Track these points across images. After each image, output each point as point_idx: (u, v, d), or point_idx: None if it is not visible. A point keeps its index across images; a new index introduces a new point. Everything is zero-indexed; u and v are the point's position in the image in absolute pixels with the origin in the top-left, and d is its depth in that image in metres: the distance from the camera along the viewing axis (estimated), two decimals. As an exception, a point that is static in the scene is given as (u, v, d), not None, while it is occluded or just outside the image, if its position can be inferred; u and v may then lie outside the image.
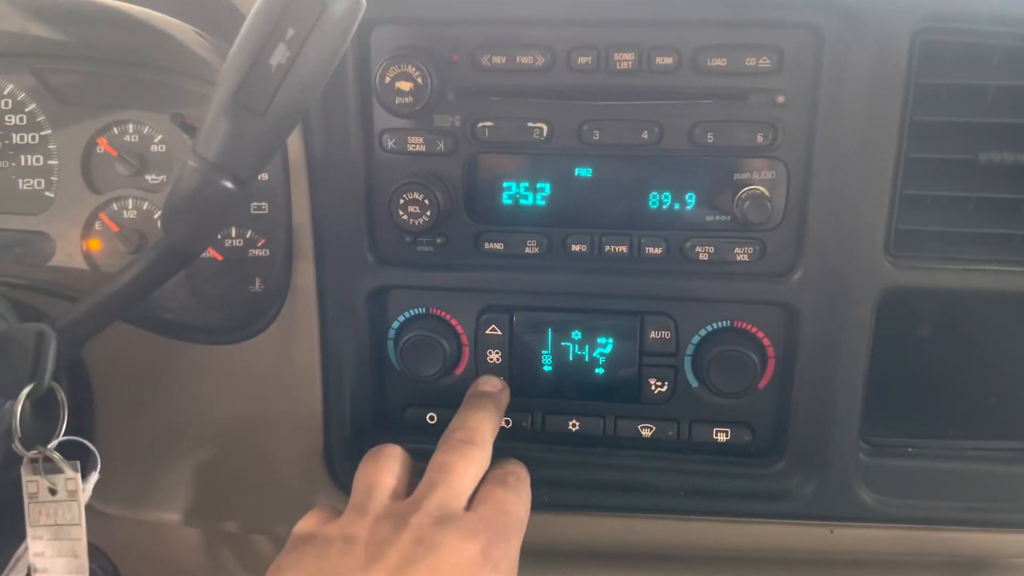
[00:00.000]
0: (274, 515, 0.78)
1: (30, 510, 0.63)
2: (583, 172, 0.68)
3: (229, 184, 0.53)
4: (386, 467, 0.64)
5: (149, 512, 0.79)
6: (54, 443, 0.62)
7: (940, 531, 0.72)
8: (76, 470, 0.63)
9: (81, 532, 0.63)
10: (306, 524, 0.61)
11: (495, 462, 0.66)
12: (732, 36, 0.64)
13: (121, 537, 0.77)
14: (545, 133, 0.67)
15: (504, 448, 0.75)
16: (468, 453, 0.63)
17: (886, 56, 0.63)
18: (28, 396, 0.59)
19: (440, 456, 0.63)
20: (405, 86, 0.65)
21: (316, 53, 0.51)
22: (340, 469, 0.75)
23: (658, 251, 0.69)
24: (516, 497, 0.63)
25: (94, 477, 0.65)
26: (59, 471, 0.62)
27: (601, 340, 0.72)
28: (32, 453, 0.61)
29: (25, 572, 0.63)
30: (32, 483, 0.62)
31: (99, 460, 0.66)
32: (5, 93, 0.79)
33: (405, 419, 0.76)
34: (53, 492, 0.63)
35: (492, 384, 0.72)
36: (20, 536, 0.63)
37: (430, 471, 0.62)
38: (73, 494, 0.62)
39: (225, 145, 0.52)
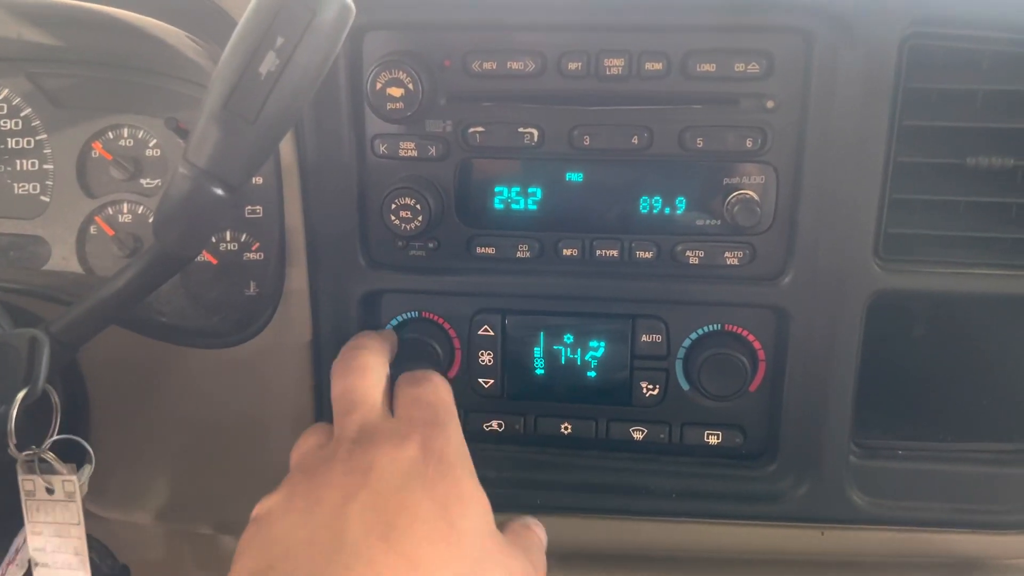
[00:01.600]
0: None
1: (28, 507, 0.63)
2: (574, 177, 0.69)
3: (220, 191, 0.53)
4: (306, 438, 0.62)
5: (144, 516, 0.79)
6: (48, 443, 0.63)
7: (931, 533, 0.72)
8: (72, 471, 0.63)
9: (81, 532, 0.63)
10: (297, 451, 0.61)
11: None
12: (722, 41, 0.64)
13: (116, 540, 0.77)
14: (536, 138, 0.67)
15: (496, 450, 0.76)
16: (354, 361, 0.61)
17: (875, 61, 0.63)
18: (22, 401, 0.60)
19: (334, 386, 0.61)
20: (396, 92, 0.65)
21: (306, 60, 0.51)
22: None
23: (649, 255, 0.69)
24: (431, 386, 0.60)
25: (88, 469, 0.65)
26: (55, 472, 0.62)
27: (593, 343, 0.73)
28: (26, 454, 0.62)
29: (26, 565, 0.64)
30: (28, 481, 0.63)
31: (93, 455, 0.66)
32: (0, 98, 0.79)
33: (398, 422, 0.76)
34: (50, 491, 0.63)
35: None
36: (15, 530, 0.64)
37: (334, 405, 0.60)
38: (71, 495, 0.63)
39: (215, 152, 0.52)
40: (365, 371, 0.61)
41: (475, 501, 0.54)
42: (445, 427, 0.57)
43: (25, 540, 0.63)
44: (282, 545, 0.51)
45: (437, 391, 0.60)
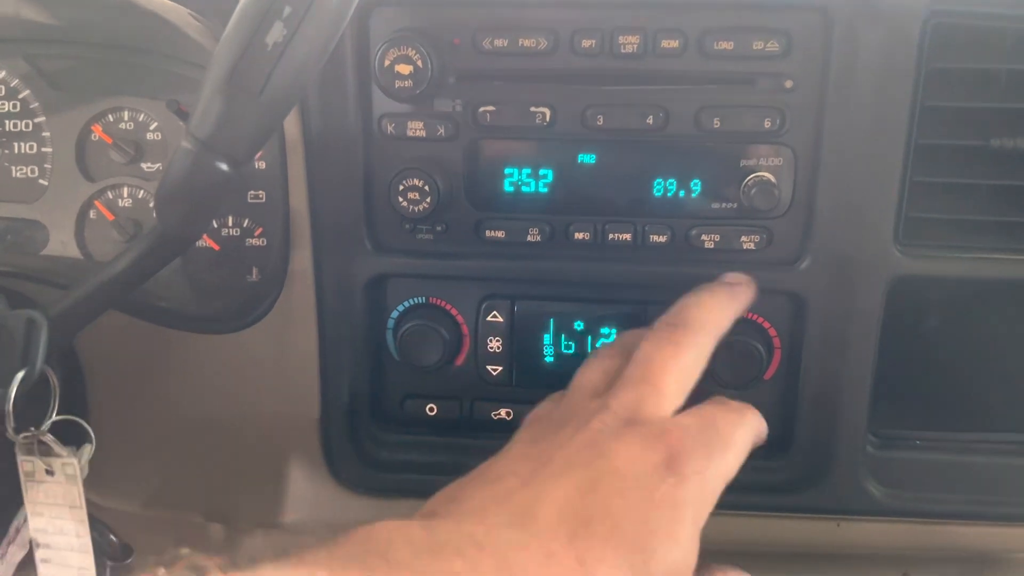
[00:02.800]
0: (270, 506, 0.77)
1: (28, 488, 0.62)
2: (586, 158, 0.67)
3: (224, 166, 0.52)
4: (595, 365, 0.57)
5: (143, 504, 0.78)
6: (46, 424, 0.62)
7: (948, 525, 0.71)
8: (72, 454, 0.62)
9: (82, 515, 0.62)
10: (531, 414, 0.58)
11: None
12: (739, 19, 0.63)
13: (116, 529, 0.76)
14: (548, 118, 0.66)
15: (505, 439, 0.74)
16: (674, 339, 0.54)
17: (897, 40, 0.61)
18: (20, 383, 0.58)
19: (642, 347, 0.55)
20: (405, 69, 0.63)
21: (314, 32, 0.50)
22: (338, 460, 0.74)
23: (663, 239, 0.67)
24: (736, 418, 0.53)
25: (88, 450, 0.64)
26: (54, 454, 0.61)
27: (604, 330, 0.71)
28: (25, 435, 0.60)
29: (27, 545, 0.63)
30: (28, 462, 0.62)
31: (93, 436, 0.65)
32: (-3, 79, 0.78)
33: (404, 410, 0.75)
34: (50, 473, 0.62)
35: (734, 276, 0.63)
36: (14, 511, 0.63)
37: (630, 365, 0.54)
38: (72, 478, 0.62)
39: (219, 126, 0.51)
40: (676, 343, 0.54)
41: (684, 551, 0.47)
42: (711, 458, 0.50)
43: (26, 520, 0.62)
44: (478, 496, 0.49)
45: (735, 427, 0.52)
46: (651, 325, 0.58)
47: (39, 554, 0.62)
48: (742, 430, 0.53)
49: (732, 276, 0.64)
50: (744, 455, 0.53)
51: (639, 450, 0.49)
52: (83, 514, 0.62)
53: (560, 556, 0.45)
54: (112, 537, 0.69)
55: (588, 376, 0.58)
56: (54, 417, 0.62)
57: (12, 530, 0.64)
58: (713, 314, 0.58)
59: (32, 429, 0.61)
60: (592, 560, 0.45)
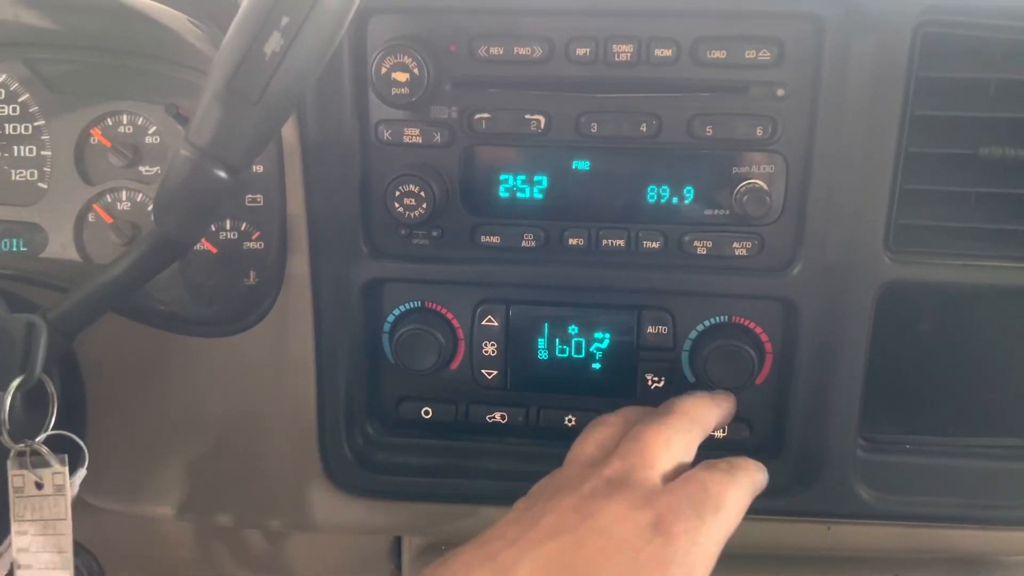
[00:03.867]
0: (267, 509, 0.77)
1: (15, 504, 0.62)
2: (581, 165, 0.68)
3: (221, 173, 0.52)
4: (591, 438, 0.59)
5: (141, 506, 0.78)
6: (42, 436, 0.61)
7: (938, 528, 0.72)
8: (64, 464, 0.62)
9: (67, 527, 0.62)
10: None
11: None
12: (732, 27, 0.64)
13: (112, 531, 0.76)
14: (543, 125, 0.66)
15: (498, 443, 0.75)
16: (664, 421, 0.57)
17: (888, 49, 0.62)
18: (18, 388, 0.59)
19: (635, 427, 0.57)
20: (401, 77, 0.64)
21: (311, 41, 0.50)
22: (334, 462, 0.74)
23: (656, 245, 0.68)
24: (727, 479, 0.53)
25: (81, 473, 0.64)
26: (46, 465, 0.61)
27: (598, 335, 0.72)
28: (19, 446, 0.60)
29: (8, 568, 0.62)
30: (18, 477, 0.61)
31: (87, 456, 0.65)
32: (-3, 83, 0.78)
33: (400, 413, 0.75)
34: (39, 487, 0.62)
35: (715, 392, 0.67)
36: (4, 532, 0.62)
37: (625, 440, 0.56)
38: (60, 488, 0.61)
39: (218, 133, 0.51)
40: (670, 426, 0.57)
41: None
42: (702, 519, 0.50)
43: (9, 544, 0.62)
44: (466, 558, 0.50)
45: (725, 487, 0.53)
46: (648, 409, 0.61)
47: (19, 575, 0.62)
48: (734, 490, 0.54)
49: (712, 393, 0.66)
50: (740, 514, 0.53)
51: (626, 510, 0.49)
52: (68, 526, 0.62)
53: None
54: (95, 566, 0.68)
55: (584, 448, 0.59)
56: (50, 430, 0.62)
57: None
58: (700, 409, 0.61)
59: (27, 440, 0.61)
60: None
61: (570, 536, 0.48)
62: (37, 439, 0.61)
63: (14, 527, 0.61)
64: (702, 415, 0.61)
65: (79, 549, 0.65)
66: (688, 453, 0.57)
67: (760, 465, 0.59)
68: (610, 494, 0.50)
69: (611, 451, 0.57)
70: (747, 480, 0.56)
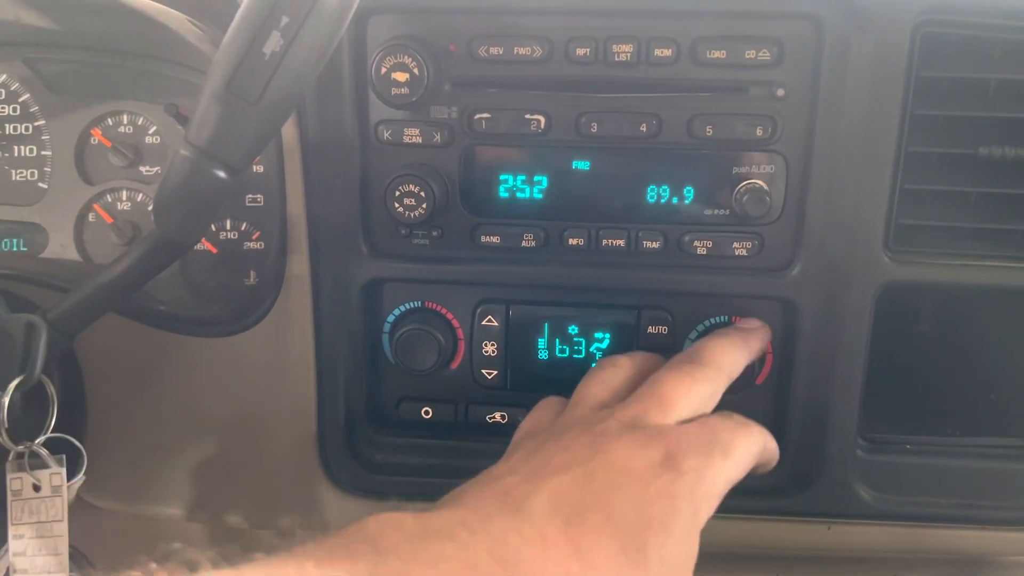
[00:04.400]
0: (266, 508, 0.77)
1: (12, 508, 0.61)
2: (581, 165, 0.68)
3: (221, 173, 0.53)
4: (600, 378, 0.59)
5: (141, 506, 0.78)
6: (42, 439, 0.61)
7: (938, 528, 0.72)
8: (62, 464, 0.62)
9: (63, 528, 0.62)
10: (527, 420, 0.59)
11: None
12: (732, 27, 0.64)
13: (113, 532, 0.76)
14: (542, 125, 0.66)
15: (499, 443, 0.74)
16: (687, 371, 0.57)
17: (887, 49, 0.62)
18: (17, 388, 0.59)
19: (659, 374, 0.57)
20: (401, 77, 0.64)
21: (311, 41, 0.50)
22: (334, 462, 0.75)
23: (656, 245, 0.68)
24: (740, 429, 0.54)
25: (80, 479, 0.64)
26: (45, 466, 0.61)
27: (598, 335, 0.72)
28: (19, 448, 0.60)
29: (3, 573, 0.62)
30: (16, 480, 0.61)
31: (86, 460, 0.65)
32: (-3, 83, 0.78)
33: (400, 413, 0.75)
34: (37, 489, 0.62)
35: (749, 323, 0.66)
36: (2, 538, 0.62)
37: (644, 385, 0.56)
38: (57, 489, 0.61)
39: (217, 133, 0.51)
40: (689, 375, 0.56)
41: (679, 544, 0.48)
42: (711, 458, 0.51)
43: (6, 549, 0.61)
44: (475, 493, 0.50)
45: (736, 432, 0.54)
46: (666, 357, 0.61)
47: None
48: (745, 439, 0.54)
49: (746, 321, 0.66)
50: (747, 464, 0.54)
51: (637, 448, 0.50)
52: (65, 527, 0.62)
53: (554, 540, 0.45)
54: (90, 568, 0.68)
55: (592, 390, 0.59)
56: (51, 430, 0.62)
57: None
58: (728, 356, 0.60)
59: (26, 442, 0.61)
60: (586, 547, 0.45)
61: (581, 470, 0.49)
62: (37, 441, 0.61)
63: (11, 531, 0.61)
64: (730, 362, 0.60)
65: (73, 552, 0.65)
66: (710, 403, 0.57)
67: (771, 436, 0.59)
68: (622, 434, 0.51)
69: (623, 395, 0.57)
70: (759, 436, 0.56)
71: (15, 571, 0.61)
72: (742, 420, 0.56)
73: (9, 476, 0.61)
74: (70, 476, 0.63)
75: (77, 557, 0.67)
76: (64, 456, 0.63)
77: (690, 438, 0.51)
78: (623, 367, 0.61)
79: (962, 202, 0.66)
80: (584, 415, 0.56)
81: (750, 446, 0.55)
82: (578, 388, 0.60)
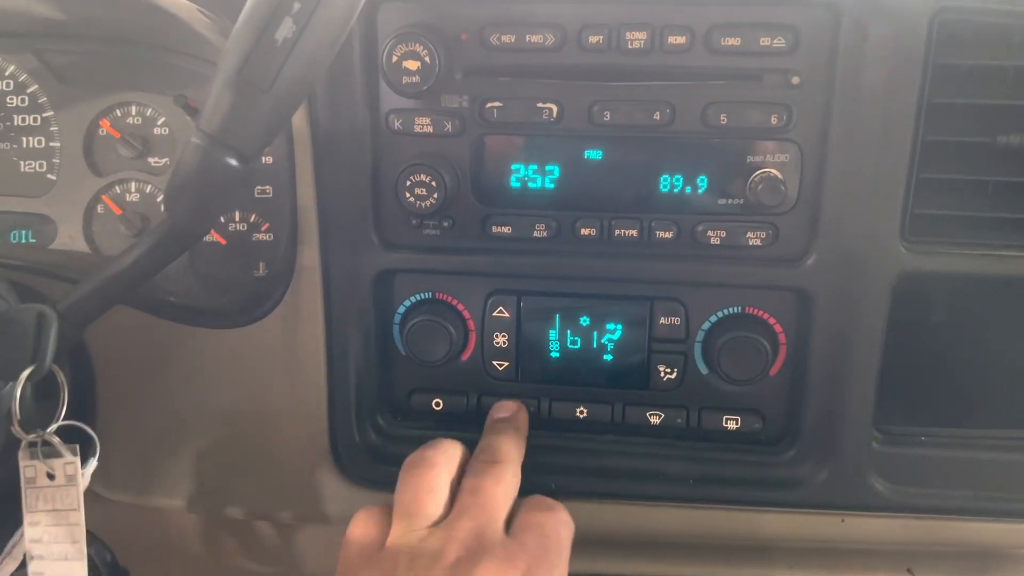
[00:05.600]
0: (277, 500, 0.77)
1: (27, 495, 0.61)
2: (593, 154, 0.67)
3: (233, 161, 0.52)
4: (423, 486, 0.62)
5: (152, 497, 0.78)
6: (53, 427, 0.61)
7: (953, 520, 0.71)
8: (75, 454, 0.62)
9: (79, 517, 0.62)
10: (357, 533, 0.61)
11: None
12: (746, 15, 0.63)
13: (123, 522, 0.76)
14: (555, 114, 0.66)
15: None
16: (495, 472, 0.63)
17: (904, 36, 0.61)
18: (28, 378, 0.58)
19: (468, 480, 0.62)
20: (412, 65, 0.64)
21: (323, 28, 0.50)
22: (344, 454, 0.74)
23: (669, 235, 0.67)
24: (554, 517, 0.61)
25: (93, 463, 0.64)
26: (58, 455, 0.61)
27: (610, 326, 0.71)
28: (31, 437, 0.60)
29: (21, 559, 0.62)
30: (30, 468, 0.61)
31: (98, 446, 0.65)
32: (6, 74, 0.78)
33: (411, 404, 0.75)
34: (51, 477, 0.61)
35: (506, 408, 0.72)
36: (18, 523, 0.62)
37: (461, 495, 0.61)
38: (72, 479, 0.61)
39: (229, 121, 0.51)
40: (497, 477, 0.62)
41: None
42: (552, 564, 0.58)
43: (22, 535, 0.61)
44: None
45: (557, 527, 0.61)
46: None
47: (32, 567, 0.62)
48: (564, 529, 0.61)
49: (501, 408, 0.72)
50: (567, 540, 0.61)
51: (499, 571, 0.55)
52: (81, 516, 0.62)
53: None
54: (108, 555, 0.68)
55: (418, 498, 0.61)
56: (62, 420, 0.62)
57: (8, 546, 0.63)
58: (513, 449, 0.66)
59: (39, 431, 0.61)
60: None
61: None
62: (48, 429, 0.61)
63: (27, 518, 0.61)
64: (516, 453, 0.66)
65: (91, 539, 0.65)
66: (515, 488, 0.63)
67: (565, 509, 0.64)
68: (475, 560, 0.55)
69: (445, 502, 0.61)
70: (569, 518, 0.63)
71: (32, 557, 0.61)
72: (551, 504, 0.63)
73: (22, 464, 0.61)
74: (83, 464, 0.63)
75: (99, 547, 0.67)
76: (77, 446, 0.62)
77: (532, 550, 0.58)
78: (438, 465, 0.63)
79: (979, 191, 0.65)
80: (422, 537, 0.58)
81: (570, 533, 0.62)
82: (401, 496, 0.62)
